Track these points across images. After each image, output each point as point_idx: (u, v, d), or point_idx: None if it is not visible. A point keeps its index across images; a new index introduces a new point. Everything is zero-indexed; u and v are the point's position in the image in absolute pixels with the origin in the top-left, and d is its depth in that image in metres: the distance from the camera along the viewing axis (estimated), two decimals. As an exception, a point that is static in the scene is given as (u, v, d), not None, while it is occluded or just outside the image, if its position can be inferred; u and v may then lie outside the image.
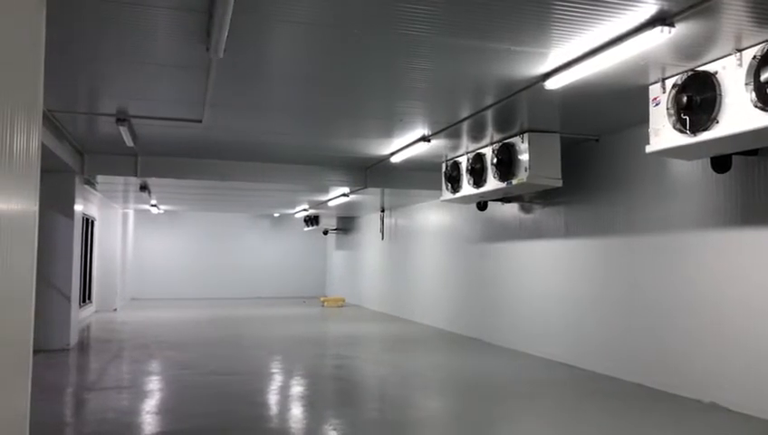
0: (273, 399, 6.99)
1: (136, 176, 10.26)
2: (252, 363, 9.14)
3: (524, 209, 9.96)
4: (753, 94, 4.57)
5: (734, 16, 4.18)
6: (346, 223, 21.00)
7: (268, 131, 8.25)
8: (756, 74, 4.52)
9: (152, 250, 21.92)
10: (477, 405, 6.70)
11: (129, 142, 8.22)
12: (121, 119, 7.23)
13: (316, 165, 10.81)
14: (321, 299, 20.16)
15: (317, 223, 20.49)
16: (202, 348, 10.61)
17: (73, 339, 10.37)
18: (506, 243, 10.53)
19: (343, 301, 19.80)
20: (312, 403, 6.78)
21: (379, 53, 5.05)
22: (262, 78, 5.84)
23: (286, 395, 7.18)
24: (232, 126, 7.92)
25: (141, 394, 7.02)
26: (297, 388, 7.60)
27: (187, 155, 9.97)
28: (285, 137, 8.61)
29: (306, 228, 21.47)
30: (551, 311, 9.14)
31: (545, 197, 9.19)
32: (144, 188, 13.00)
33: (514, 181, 7.91)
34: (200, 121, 7.29)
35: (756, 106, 4.55)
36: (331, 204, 15.62)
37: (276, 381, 8.03)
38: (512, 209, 10.25)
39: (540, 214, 9.55)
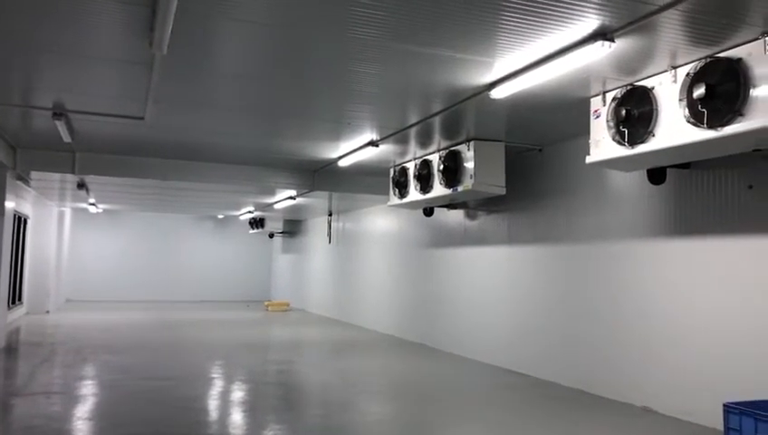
0: (212, 404, 6.84)
1: (73, 173, 9.87)
2: (192, 368, 8.92)
3: (470, 216, 10.11)
4: (687, 110, 4.76)
5: (669, 35, 4.35)
6: (292, 226, 20.81)
7: (213, 131, 8.09)
8: (689, 91, 4.71)
9: (90, 250, 21.20)
10: (418, 410, 6.73)
11: (66, 138, 7.91)
12: (58, 113, 6.95)
13: (262, 166, 10.67)
14: (266, 303, 19.91)
15: (263, 226, 20.21)
16: (141, 352, 10.30)
17: (0, 342, 9.89)
18: (452, 249, 10.65)
19: (288, 305, 19.60)
20: (253, 409, 6.67)
21: (328, 55, 5.03)
22: (208, 76, 5.73)
23: (227, 400, 7.03)
24: (176, 124, 7.73)
25: (73, 400, 6.74)
26: (238, 393, 7.46)
27: (128, 153, 9.67)
28: (231, 137, 8.46)
29: (251, 231, 21.17)
30: (494, 316, 9.28)
31: (490, 204, 9.35)
32: (82, 185, 12.55)
33: (460, 188, 8.01)
34: (142, 119, 7.08)
35: (689, 121, 4.74)
36: (277, 206, 15.45)
37: (217, 386, 7.87)
38: (457, 216, 10.38)
39: (484, 221, 9.70)
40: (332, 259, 17.18)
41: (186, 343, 11.68)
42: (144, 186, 12.49)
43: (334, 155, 9.34)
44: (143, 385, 7.58)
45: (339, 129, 7.75)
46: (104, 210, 19.70)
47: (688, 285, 6.11)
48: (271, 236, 21.83)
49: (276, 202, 14.87)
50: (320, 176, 10.97)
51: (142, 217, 21.61)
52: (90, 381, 7.89)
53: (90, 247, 21.20)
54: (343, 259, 16.32)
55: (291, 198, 13.41)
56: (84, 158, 9.70)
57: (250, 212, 18.70)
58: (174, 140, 8.67)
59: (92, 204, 16.80)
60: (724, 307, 5.72)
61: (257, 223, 20.32)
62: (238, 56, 5.27)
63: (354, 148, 8.68)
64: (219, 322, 15.73)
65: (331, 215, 17.07)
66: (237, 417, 6.28)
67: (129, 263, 21.46)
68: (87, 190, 13.42)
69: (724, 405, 4.83)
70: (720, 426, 4.87)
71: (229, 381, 8.21)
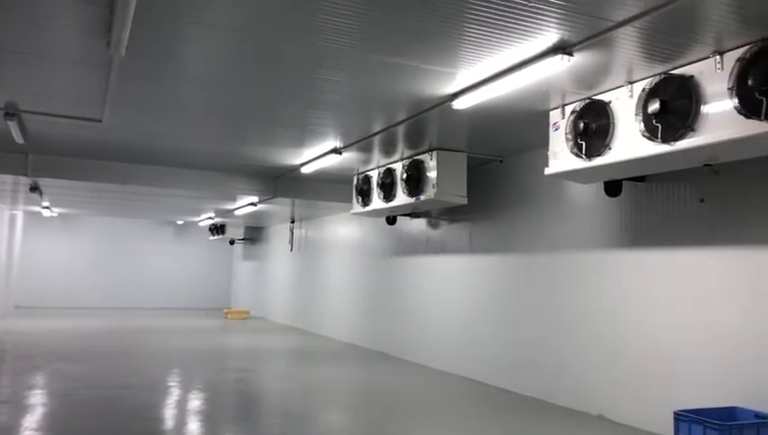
0: (168, 413, 6.69)
1: (26, 175, 9.57)
2: (148, 376, 8.73)
3: (432, 225, 10.17)
4: (642, 124, 4.89)
5: (626, 51, 4.47)
6: (254, 233, 20.59)
7: (173, 135, 7.97)
8: (644, 106, 4.85)
9: (44, 255, 20.53)
10: (377, 419, 6.72)
11: (18, 139, 7.67)
12: (10, 113, 6.74)
13: (224, 172, 10.54)
14: (225, 311, 19.61)
15: (223, 232, 19.92)
16: (95, 360, 10.03)
17: (-55, 350, 9.52)
18: (414, 257, 10.69)
19: (248, 313, 19.36)
20: (210, 418, 6.56)
21: (293, 61, 5.00)
22: (168, 79, 5.64)
23: (183, 410, 6.90)
24: (135, 128, 7.58)
25: (22, 410, 6.51)
26: (195, 402, 7.33)
27: (84, 155, 9.44)
28: (192, 141, 8.34)
29: (212, 237, 20.85)
30: (454, 325, 9.34)
31: (452, 213, 9.42)
32: (35, 188, 12.16)
33: (423, 197, 8.06)
34: (100, 121, 6.93)
35: (644, 136, 4.87)
36: (238, 213, 15.27)
37: (173, 395, 7.71)
38: (420, 224, 10.43)
39: (446, 230, 9.77)
40: (294, 267, 17.05)
41: (142, 351, 11.42)
42: (101, 190, 12.19)
43: (297, 162, 9.29)
44: (96, 394, 7.38)
45: (302, 135, 7.72)
46: (59, 214, 19.15)
47: (642, 296, 6.26)
48: (231, 242, 21.55)
49: (237, 208, 14.70)
50: (282, 182, 10.89)
51: (99, 221, 21.06)
52: (40, 391, 7.64)
53: (43, 252, 20.55)
54: (305, 267, 16.22)
55: (252, 204, 13.27)
56: (38, 160, 9.42)
57: (210, 218, 18.43)
58: (133, 144, 8.50)
59: (46, 207, 16.31)
60: (676, 317, 5.87)
61: (218, 229, 20.04)
62: (200, 60, 5.21)
63: (317, 155, 8.65)
64: (177, 329, 15.43)
65: (293, 222, 16.95)
66: (194, 426, 6.17)
67: (85, 268, 20.89)
68: (40, 193, 13.02)
69: (675, 413, 4.96)
70: (671, 434, 4.99)
71: (186, 389, 8.06)
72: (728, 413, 5.02)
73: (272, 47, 4.70)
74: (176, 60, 5.13)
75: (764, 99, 3.94)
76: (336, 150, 8.16)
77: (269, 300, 18.93)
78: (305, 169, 9.40)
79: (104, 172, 9.80)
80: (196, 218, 19.44)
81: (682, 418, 4.89)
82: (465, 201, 7.98)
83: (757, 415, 4.91)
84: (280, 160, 9.32)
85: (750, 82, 4.05)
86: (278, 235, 18.59)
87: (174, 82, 5.74)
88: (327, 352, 12.02)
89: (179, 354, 11.11)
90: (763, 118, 3.97)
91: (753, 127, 4.06)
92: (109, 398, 7.19)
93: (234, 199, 13.55)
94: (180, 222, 21.68)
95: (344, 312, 13.52)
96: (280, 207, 13.97)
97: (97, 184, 10.83)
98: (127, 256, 21.63)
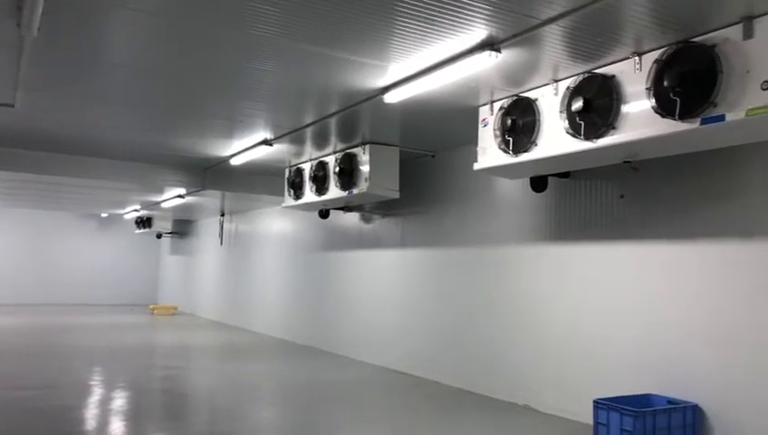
0: (89, 414, 6.41)
1: (-71, 164, 8.96)
2: (68, 376, 8.34)
3: (365, 219, 10.16)
4: (566, 122, 5.03)
5: (552, 49, 4.58)
6: (182, 226, 20.00)
7: (95, 123, 7.60)
8: (569, 104, 4.99)
9: (-49, 249, 19.30)
10: (306, 413, 6.67)
11: None
12: None
13: (149, 163, 10.16)
14: (151, 307, 19.00)
15: (150, 225, 19.26)
16: (10, 359, 9.50)
17: None
18: (347, 252, 10.66)
19: (175, 309, 18.82)
20: (134, 417, 6.32)
21: (221, 50, 4.86)
22: (89, 64, 5.36)
23: (105, 409, 6.62)
24: (53, 115, 7.19)
25: (-77, 414, 6.10)
26: (118, 401, 7.06)
27: (-5, 143, 8.89)
28: (115, 131, 7.99)
29: (138, 231, 20.12)
30: (386, 319, 9.38)
31: (385, 207, 9.45)
32: (-59, 178, 11.40)
33: (355, 191, 8.04)
34: (12, 106, 6.53)
35: (568, 133, 5.01)
36: (165, 205, 14.79)
37: (95, 394, 7.39)
38: (353, 219, 10.40)
39: (379, 224, 9.79)
40: (224, 261, 16.70)
41: (62, 349, 10.90)
42: (16, 180, 11.53)
43: (227, 153, 9.07)
44: (11, 395, 6.98)
45: (232, 126, 7.53)
46: (-31, 206, 18.05)
47: (565, 289, 6.46)
48: (159, 236, 20.86)
49: (164, 201, 14.24)
50: (211, 174, 10.61)
51: (15, 213, 19.93)
52: (-55, 393, 7.16)
53: (-49, 246, 19.33)
54: (235, 261, 15.91)
55: (180, 196, 12.88)
56: (-58, 147, 8.83)
57: (136, 211, 17.78)
58: (50, 131, 8.05)
59: (-45, 198, 15.34)
60: (596, 309, 6.10)
61: (144, 222, 19.35)
62: (122, 45, 4.98)
63: (247, 146, 8.47)
64: (100, 326, 14.81)
65: (223, 215, 16.58)
66: (116, 426, 5.93)
67: (1, 263, 19.75)
68: (-52, 183, 12.22)
69: (594, 401, 5.15)
70: (592, 421, 5.18)
71: (108, 388, 7.75)
72: (643, 400, 5.26)
73: (198, 34, 4.55)
74: (94, 44, 4.88)
75: (678, 99, 4.13)
76: (267, 142, 8.02)
77: (198, 295, 18.47)
78: (235, 161, 9.19)
79: (17, 161, 9.22)
80: (121, 211, 18.72)
81: (601, 406, 5.09)
82: (397, 195, 8.02)
83: (669, 401, 5.17)
84: (209, 152, 9.07)
85: (666, 83, 4.23)
86: (208, 228, 18.15)
87: (92, 68, 5.46)
88: (257, 347, 11.84)
89: (102, 352, 10.66)
90: (677, 117, 4.15)
91: (669, 126, 4.25)
92: (26, 398, 6.81)
93: (160, 192, 13.11)
94: (104, 215, 20.81)
95: (275, 307, 13.35)
96: (209, 200, 13.63)
97: (13, 174, 10.24)
98: (47, 250, 20.59)
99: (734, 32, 3.94)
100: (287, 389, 8.13)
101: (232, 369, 9.49)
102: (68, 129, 7.89)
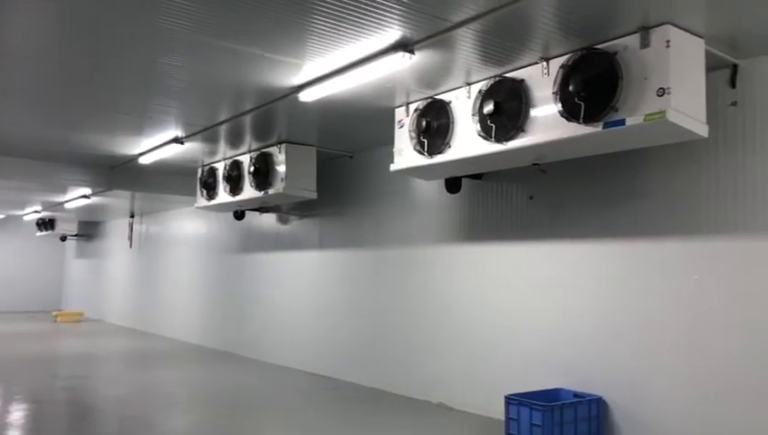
0: (-24, 430, 5.96)
1: None
2: (-46, 390, 7.73)
3: (282, 220, 10.01)
4: (478, 124, 5.14)
5: (464, 52, 4.66)
6: (89, 228, 19.01)
7: (-12, 118, 7.09)
8: (481, 107, 5.09)
9: None
10: (221, 420, 6.47)
11: None
12: None
13: (51, 161, 9.56)
14: (54, 313, 17.92)
15: (53, 227, 18.14)
16: None
17: None
18: (263, 254, 10.46)
19: (81, 315, 17.85)
20: (33, 431, 5.92)
21: (129, 43, 4.63)
22: (-23, 53, 4.99)
23: (1, 424, 6.18)
24: (-63, 107, 6.65)
25: None
26: (16, 414, 6.59)
27: None
28: (10, 126, 7.47)
29: (39, 233, 18.91)
30: (304, 322, 9.27)
31: (302, 208, 9.34)
32: None
33: (271, 191, 7.89)
34: None
35: (480, 135, 5.12)
36: (69, 206, 13.99)
37: (-15, 409, 6.89)
38: (269, 220, 10.22)
39: (296, 225, 9.67)
40: (134, 265, 16.00)
41: (-51, 362, 10.10)
42: None
43: (135, 151, 8.68)
44: None
45: (141, 123, 7.21)
46: None
47: (478, 288, 6.61)
48: (63, 239, 19.71)
49: (68, 201, 13.46)
50: (119, 173, 10.12)
51: None
52: None
53: None
54: (146, 265, 15.28)
55: (85, 196, 12.22)
56: None
57: (37, 212, 16.72)
58: (-65, 125, 7.44)
59: None
60: (510, 308, 6.27)
61: (46, 224, 18.21)
62: (19, 34, 4.64)
63: (157, 144, 8.14)
64: (-5, 336, 13.85)
65: (132, 216, 15.89)
66: (8, 443, 5.54)
67: None
68: None
69: (505, 397, 5.28)
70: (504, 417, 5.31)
71: (6, 401, 7.23)
72: (552, 395, 5.45)
73: (106, 26, 4.32)
74: (-12, 31, 4.54)
75: (583, 104, 4.30)
76: (178, 140, 7.73)
77: (106, 301, 17.60)
78: (144, 160, 8.81)
79: None
80: (21, 212, 17.55)
81: (512, 401, 5.23)
82: (314, 196, 7.94)
83: (576, 394, 5.38)
84: (116, 149, 8.65)
85: (571, 88, 4.40)
86: (116, 230, 17.34)
87: (-13, 57, 5.08)
88: (169, 354, 11.41)
89: (-4, 363, 9.97)
90: (581, 121, 4.33)
91: (574, 129, 4.41)
92: None
93: (64, 191, 12.38)
94: (1, 216, 19.44)
95: (189, 311, 12.91)
96: (118, 201, 13.01)
97: None
98: (-66, 254, 19.04)
99: (633, 40, 4.14)
100: (201, 395, 7.88)
101: (142, 376, 9.09)
102: (-44, 122, 7.32)
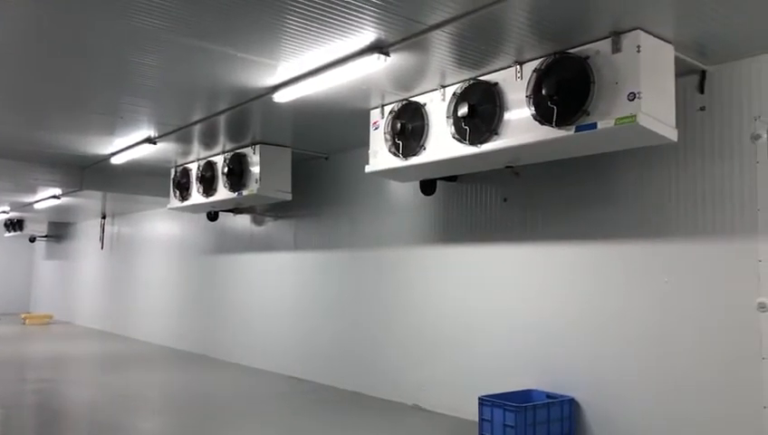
0: (-61, 437, 5.80)
1: None
2: None
3: (256, 221, 9.94)
4: (453, 127, 5.16)
5: (439, 55, 4.68)
6: (59, 229, 18.66)
7: (-48, 116, 6.92)
8: (455, 109, 5.12)
9: None
10: (194, 423, 6.40)
11: None
12: None
13: (19, 160, 9.37)
14: (23, 316, 17.55)
15: (21, 228, 17.77)
16: None
17: None
18: (238, 255, 10.37)
19: (51, 318, 17.51)
20: (-6, 438, 5.79)
21: (101, 41, 4.55)
22: (-60, 49, 4.86)
23: (-40, 431, 6.02)
24: None
25: None
26: (-24, 421, 6.44)
27: None
28: (-24, 124, 7.32)
29: (7, 234, 18.50)
30: (278, 324, 9.21)
31: (276, 210, 9.28)
32: None
33: (245, 192, 7.83)
34: None
35: (454, 137, 5.14)
36: (38, 207, 13.71)
37: (-52, 414, 6.71)
38: (244, 221, 10.14)
39: (271, 227, 9.61)
40: (105, 266, 15.75)
41: None
42: None
43: (107, 151, 8.55)
44: None
45: (113, 122, 7.09)
46: None
47: (453, 290, 6.64)
48: (32, 240, 19.33)
49: (37, 202, 13.19)
50: (90, 174, 9.96)
51: None
52: None
53: None
54: (118, 266, 15.05)
55: (55, 197, 11.99)
56: None
57: (5, 212, 16.35)
58: None
59: None
60: (483, 309, 6.30)
61: (15, 225, 17.83)
62: (-14, 30, 4.56)
63: (130, 144, 8.03)
64: (-39, 339, 13.52)
65: (104, 217, 15.64)
66: (-28, 449, 5.40)
67: None
68: None
69: (479, 398, 5.31)
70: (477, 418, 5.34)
71: (-34, 407, 7.06)
72: (525, 396, 5.50)
73: (76, 23, 4.24)
74: (-51, 27, 4.43)
75: (555, 107, 4.34)
76: (150, 140, 7.63)
77: (77, 303, 17.29)
78: (116, 160, 8.67)
79: None
80: (-12, 212, 17.17)
81: (485, 402, 5.26)
82: (289, 197, 7.90)
83: (548, 395, 5.43)
84: (87, 149, 8.51)
85: (544, 92, 4.44)
86: (87, 231, 17.05)
87: (-52, 53, 4.96)
88: (141, 356, 11.24)
89: (-39, 367, 9.72)
90: (554, 125, 4.37)
91: (546, 133, 4.46)
92: None
93: (33, 192, 12.12)
94: (-32, 216, 19.01)
95: (162, 314, 12.74)
96: (89, 201, 12.79)
97: None
98: None
99: (605, 45, 4.20)
100: (174, 398, 7.78)
101: (113, 380, 8.95)
102: None
